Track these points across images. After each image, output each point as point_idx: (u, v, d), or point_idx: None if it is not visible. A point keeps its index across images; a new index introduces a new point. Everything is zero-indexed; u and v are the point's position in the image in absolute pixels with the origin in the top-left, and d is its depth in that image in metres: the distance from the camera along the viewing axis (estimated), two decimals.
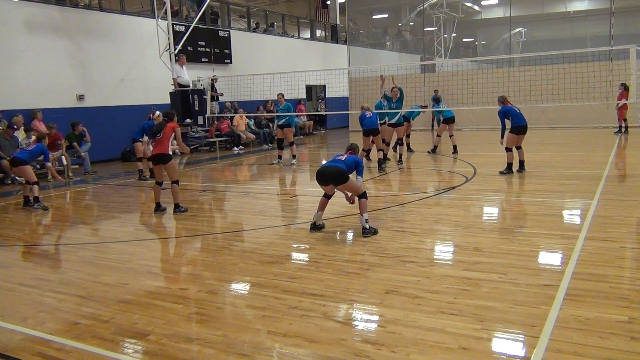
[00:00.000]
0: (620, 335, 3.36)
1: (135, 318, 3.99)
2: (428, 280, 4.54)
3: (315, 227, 6.38)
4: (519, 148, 9.89)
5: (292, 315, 3.90)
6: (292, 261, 5.46)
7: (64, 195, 10.42)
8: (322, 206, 6.39)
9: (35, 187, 8.65)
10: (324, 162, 6.33)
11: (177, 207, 7.78)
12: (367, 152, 11.77)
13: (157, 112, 11.22)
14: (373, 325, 3.76)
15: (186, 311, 4.13)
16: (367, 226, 6.07)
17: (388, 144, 11.97)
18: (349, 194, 6.46)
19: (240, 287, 4.79)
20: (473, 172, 10.24)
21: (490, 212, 7.48)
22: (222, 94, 18.01)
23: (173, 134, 7.82)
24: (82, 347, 3.54)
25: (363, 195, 6.17)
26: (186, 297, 4.44)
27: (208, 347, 3.47)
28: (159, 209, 7.90)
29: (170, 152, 7.82)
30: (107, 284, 4.86)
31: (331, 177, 6.14)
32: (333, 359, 3.25)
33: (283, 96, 13.14)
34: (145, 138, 11.00)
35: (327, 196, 6.41)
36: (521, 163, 9.88)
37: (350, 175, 6.21)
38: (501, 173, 9.78)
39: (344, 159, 6.32)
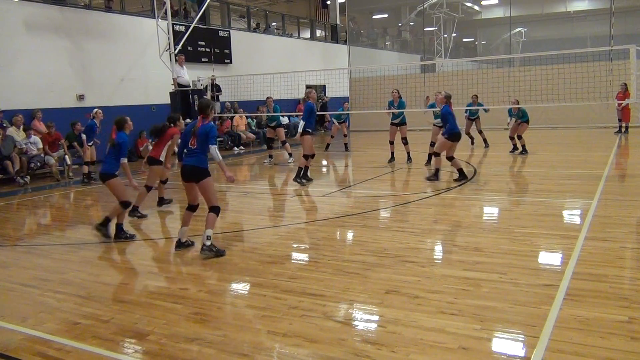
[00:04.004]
0: (620, 335, 3.36)
1: (135, 318, 3.99)
2: (428, 280, 4.54)
3: (181, 245, 5.70)
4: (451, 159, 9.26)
5: (292, 315, 3.90)
6: (292, 261, 5.46)
7: (64, 195, 10.42)
8: (186, 221, 5.70)
9: (124, 212, 6.55)
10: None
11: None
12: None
13: (96, 110, 11.09)
14: (373, 325, 3.76)
15: (186, 311, 4.12)
16: (207, 244, 5.34)
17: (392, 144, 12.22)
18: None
19: (240, 287, 4.79)
20: (473, 172, 10.23)
21: (490, 212, 7.48)
22: (220, 92, 17.95)
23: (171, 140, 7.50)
24: (82, 347, 3.54)
25: (213, 210, 5.46)
26: (186, 297, 4.44)
27: (208, 347, 3.47)
28: (162, 202, 8.25)
29: (162, 158, 7.51)
30: (107, 284, 4.86)
31: (190, 175, 5.49)
32: (333, 359, 3.25)
33: (272, 99, 13.38)
34: (83, 136, 11.23)
35: (191, 208, 5.69)
36: (460, 171, 9.31)
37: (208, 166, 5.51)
38: (428, 179, 9.35)
39: (196, 142, 5.43)
